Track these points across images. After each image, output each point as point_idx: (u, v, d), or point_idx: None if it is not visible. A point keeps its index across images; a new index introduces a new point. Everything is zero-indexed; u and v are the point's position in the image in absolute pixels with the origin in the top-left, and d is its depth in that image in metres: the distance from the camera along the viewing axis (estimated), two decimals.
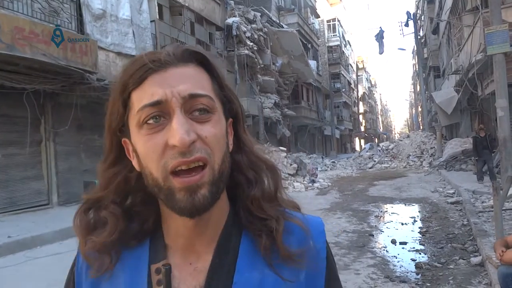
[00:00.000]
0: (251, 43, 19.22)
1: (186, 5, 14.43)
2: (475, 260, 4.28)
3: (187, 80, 0.53)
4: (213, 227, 0.57)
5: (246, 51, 18.43)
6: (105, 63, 9.68)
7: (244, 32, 18.49)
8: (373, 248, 5.29)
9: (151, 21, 11.50)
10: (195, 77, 0.54)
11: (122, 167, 0.58)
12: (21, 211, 8.38)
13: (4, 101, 8.18)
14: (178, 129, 0.49)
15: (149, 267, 0.56)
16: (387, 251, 5.07)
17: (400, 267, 4.41)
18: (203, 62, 0.57)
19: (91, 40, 8.90)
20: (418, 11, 33.93)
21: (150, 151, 0.51)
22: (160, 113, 0.51)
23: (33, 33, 7.42)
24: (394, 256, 4.84)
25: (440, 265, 4.33)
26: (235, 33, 17.61)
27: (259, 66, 20.57)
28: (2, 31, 6.88)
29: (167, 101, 0.51)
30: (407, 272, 4.21)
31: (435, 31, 24.50)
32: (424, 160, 19.42)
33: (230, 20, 17.77)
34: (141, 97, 0.52)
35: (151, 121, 0.51)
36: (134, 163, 0.56)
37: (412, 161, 20.08)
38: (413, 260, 4.61)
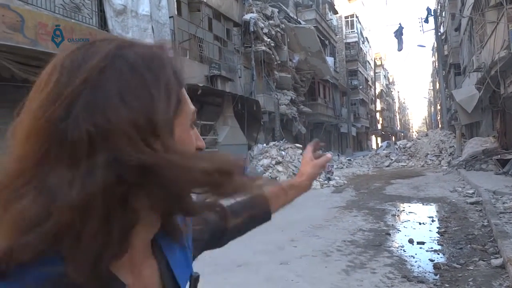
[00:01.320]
0: (268, 39, 19.18)
1: (205, 1, 14.49)
2: (495, 262, 4.19)
3: None
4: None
5: (263, 48, 18.41)
6: None
7: (262, 28, 18.46)
8: (390, 247, 5.24)
9: (169, 17, 11.59)
10: None
11: None
12: None
13: (27, 94, 8.39)
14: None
15: None
16: (404, 251, 5.01)
17: (418, 267, 4.35)
18: None
19: (111, 36, 9.03)
20: (439, 7, 33.23)
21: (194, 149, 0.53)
22: None
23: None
24: (412, 256, 4.78)
25: (459, 266, 4.26)
26: (252, 29, 17.61)
27: (276, 63, 20.53)
28: (26, 26, 7.05)
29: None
30: (425, 273, 4.15)
31: (458, 28, 23.97)
32: (443, 159, 19.07)
33: (247, 16, 17.77)
34: (187, 99, 0.52)
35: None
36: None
37: (430, 160, 19.74)
38: (431, 260, 4.55)
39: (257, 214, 0.88)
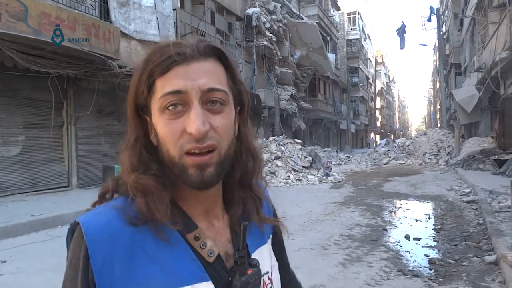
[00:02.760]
0: (270, 34, 19.17)
1: None
2: (489, 258, 4.28)
3: (207, 74, 0.60)
4: (220, 196, 0.70)
5: (265, 42, 18.40)
6: (126, 50, 9.83)
7: (264, 23, 18.44)
8: (386, 242, 5.32)
9: (173, 10, 11.58)
10: (214, 72, 0.61)
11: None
12: (42, 192, 8.66)
13: (29, 84, 8.42)
14: (196, 120, 0.57)
15: (182, 236, 0.61)
16: (400, 246, 5.10)
17: (413, 262, 4.44)
18: (221, 57, 0.64)
19: (114, 27, 9.04)
20: (442, 6, 33.17)
21: (169, 134, 0.59)
22: (179, 101, 0.58)
23: (59, 19, 7.58)
24: (408, 251, 4.86)
25: (454, 261, 4.34)
26: (254, 24, 17.60)
27: (277, 58, 20.53)
28: (29, 16, 7.05)
29: (187, 92, 0.58)
30: (420, 267, 4.24)
31: (460, 27, 23.95)
32: (441, 158, 19.18)
33: (250, 11, 17.74)
34: (164, 86, 0.59)
35: (170, 108, 0.58)
36: (152, 138, 0.63)
37: (429, 158, 19.85)
38: (426, 255, 4.63)
39: None
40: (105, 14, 9.37)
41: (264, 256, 0.73)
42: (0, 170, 8.07)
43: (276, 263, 0.79)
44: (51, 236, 5.68)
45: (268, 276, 0.72)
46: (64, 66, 8.35)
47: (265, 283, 0.70)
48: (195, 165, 0.59)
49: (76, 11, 8.37)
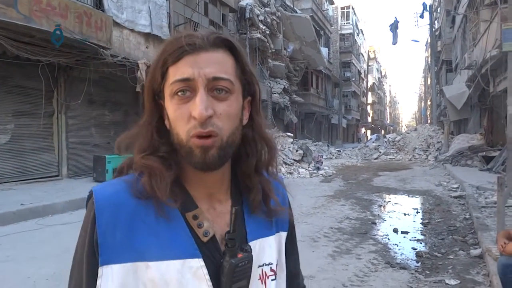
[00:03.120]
0: (264, 27, 19.08)
1: None
2: (474, 252, 4.39)
3: (214, 64, 0.64)
4: (226, 181, 0.72)
5: (258, 35, 18.32)
6: (118, 40, 9.72)
7: (257, 15, 18.34)
8: (375, 235, 5.42)
9: (166, 0, 11.45)
10: (222, 62, 0.65)
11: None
12: (32, 181, 8.59)
13: (19, 72, 8.29)
14: (200, 105, 0.61)
15: (182, 214, 0.65)
16: (388, 239, 5.19)
17: (401, 254, 4.53)
18: (232, 49, 0.68)
19: (106, 16, 8.93)
20: (435, 3, 33.33)
21: (178, 118, 0.64)
22: (187, 88, 0.63)
23: (50, 6, 7.46)
24: (396, 244, 4.96)
25: (440, 255, 4.44)
26: (248, 16, 17.49)
27: (270, 51, 20.47)
28: (20, 2, 6.93)
29: (194, 79, 0.63)
30: (408, 260, 4.33)
31: (452, 24, 24.11)
32: (430, 154, 19.41)
33: (244, 3, 17.62)
34: (175, 73, 0.64)
35: (179, 94, 0.63)
36: (166, 122, 0.68)
37: (418, 154, 20.08)
38: (414, 249, 4.73)
39: None
40: (97, 2, 9.23)
41: (266, 247, 0.73)
42: None
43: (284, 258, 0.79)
44: (41, 225, 5.66)
45: (271, 267, 0.73)
46: (55, 54, 8.23)
47: (265, 273, 0.71)
48: (200, 147, 0.63)
49: None
